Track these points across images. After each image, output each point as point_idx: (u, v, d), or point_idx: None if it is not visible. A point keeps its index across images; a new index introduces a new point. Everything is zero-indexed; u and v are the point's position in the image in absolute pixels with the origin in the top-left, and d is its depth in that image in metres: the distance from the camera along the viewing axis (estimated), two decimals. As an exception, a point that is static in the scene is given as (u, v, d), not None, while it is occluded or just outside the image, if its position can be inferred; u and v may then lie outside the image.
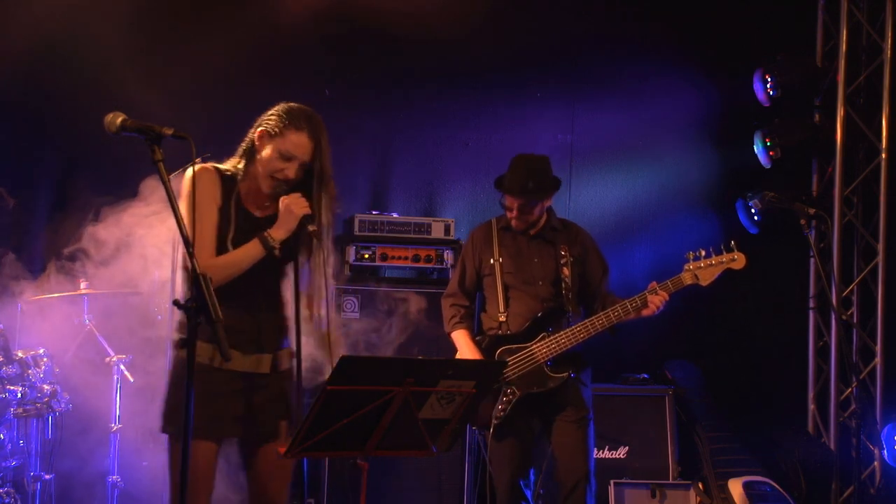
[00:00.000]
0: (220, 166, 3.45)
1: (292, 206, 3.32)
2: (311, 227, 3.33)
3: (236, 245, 3.36)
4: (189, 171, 3.31)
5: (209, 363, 3.31)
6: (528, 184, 4.64)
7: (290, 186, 3.38)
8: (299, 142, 3.34)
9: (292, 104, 3.42)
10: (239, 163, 3.44)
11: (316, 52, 6.17)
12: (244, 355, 3.37)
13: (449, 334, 4.78)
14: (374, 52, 6.26)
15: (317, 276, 3.44)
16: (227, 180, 3.41)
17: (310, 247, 3.44)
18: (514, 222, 4.74)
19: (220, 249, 3.36)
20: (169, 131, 2.82)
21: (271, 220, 3.39)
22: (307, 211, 3.33)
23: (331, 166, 3.43)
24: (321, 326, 3.45)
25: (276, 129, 3.36)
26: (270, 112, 3.41)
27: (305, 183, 3.40)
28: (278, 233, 3.33)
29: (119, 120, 2.85)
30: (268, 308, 3.46)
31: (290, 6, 6.07)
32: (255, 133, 3.42)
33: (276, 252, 3.34)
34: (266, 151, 3.37)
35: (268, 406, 3.42)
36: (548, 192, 4.71)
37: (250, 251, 3.33)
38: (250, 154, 3.42)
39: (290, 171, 3.36)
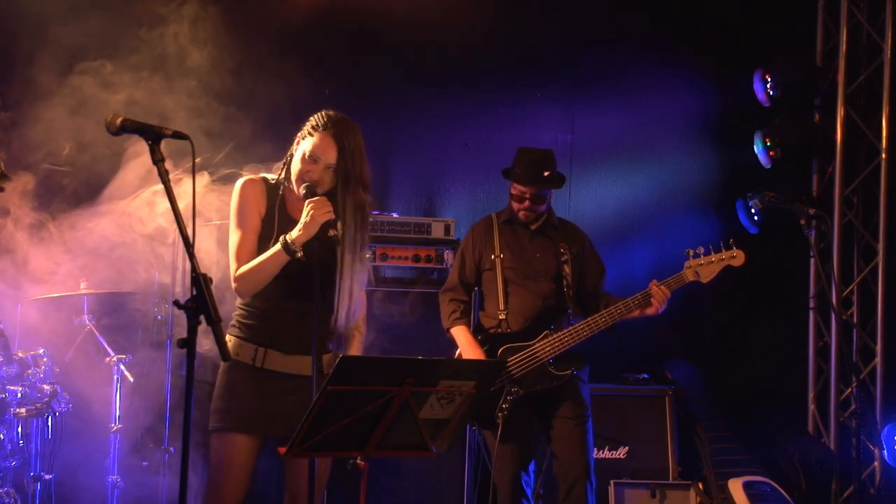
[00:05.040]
0: (268, 176, 3.59)
1: (314, 210, 3.36)
2: (331, 232, 3.37)
3: None
4: (237, 183, 3.51)
5: (251, 363, 3.47)
6: (543, 173, 4.71)
7: (323, 191, 3.46)
8: (324, 144, 3.44)
9: (330, 111, 3.52)
10: (282, 170, 3.57)
11: (316, 52, 6.16)
12: (285, 356, 3.48)
13: (448, 330, 4.79)
14: (374, 52, 6.26)
15: (340, 280, 3.49)
16: (273, 188, 3.54)
17: (335, 251, 3.49)
18: (522, 213, 4.76)
19: None
20: (169, 131, 2.84)
21: None
22: (329, 216, 3.37)
23: (363, 171, 3.51)
24: (341, 328, 3.57)
25: (306, 133, 3.48)
26: (312, 117, 3.54)
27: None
28: (298, 236, 3.37)
29: (119, 120, 2.85)
30: (317, 311, 3.46)
31: (290, 6, 6.07)
32: (295, 140, 3.54)
33: (299, 255, 3.38)
34: (297, 155, 3.49)
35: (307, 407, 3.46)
36: (560, 183, 4.81)
37: (273, 255, 3.41)
38: (290, 159, 3.54)
39: (315, 173, 3.45)
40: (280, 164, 3.61)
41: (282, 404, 3.47)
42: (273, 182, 3.57)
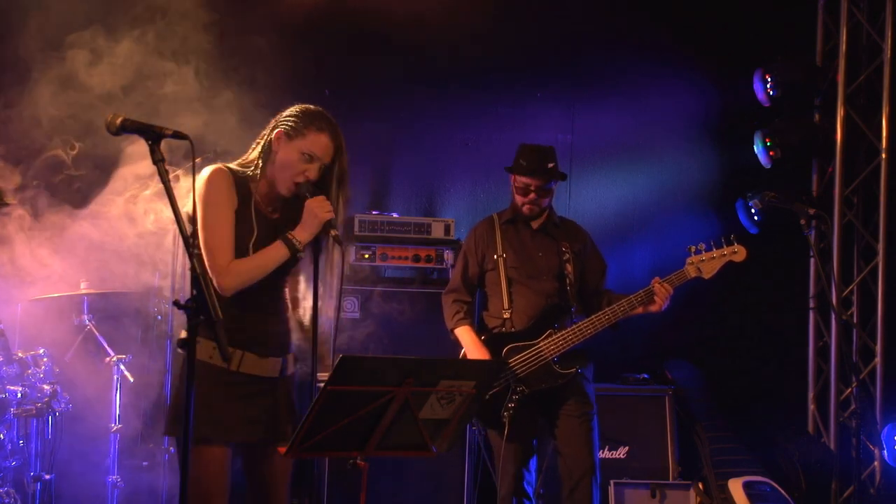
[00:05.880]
0: (231, 166, 3.40)
1: (317, 209, 3.29)
2: (333, 232, 3.30)
3: (257, 249, 3.33)
4: (204, 172, 3.30)
5: (225, 366, 3.27)
6: (547, 164, 4.73)
7: (313, 188, 3.35)
8: (322, 143, 3.34)
9: (308, 105, 3.40)
10: (254, 164, 3.40)
11: (316, 52, 6.17)
12: (260, 358, 3.35)
13: (452, 331, 4.78)
14: (375, 52, 6.26)
15: (328, 276, 3.40)
16: (242, 182, 3.36)
17: (327, 249, 3.40)
18: (527, 207, 4.76)
19: (241, 254, 3.32)
20: (169, 131, 2.83)
21: (284, 222, 3.37)
22: (331, 215, 3.30)
23: (348, 168, 3.42)
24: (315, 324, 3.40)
25: (297, 130, 3.33)
26: (287, 113, 3.39)
27: (323, 184, 3.38)
28: (302, 235, 3.30)
29: (119, 120, 2.85)
30: (277, 311, 3.44)
31: (291, 5, 6.07)
32: (272, 134, 3.38)
33: (301, 255, 3.32)
34: (285, 153, 3.34)
35: (277, 410, 3.40)
36: (564, 175, 4.85)
37: (275, 253, 3.30)
38: (267, 155, 3.38)
39: (312, 172, 3.34)
40: (250, 158, 3.43)
41: (253, 408, 3.34)
42: (241, 175, 3.38)
